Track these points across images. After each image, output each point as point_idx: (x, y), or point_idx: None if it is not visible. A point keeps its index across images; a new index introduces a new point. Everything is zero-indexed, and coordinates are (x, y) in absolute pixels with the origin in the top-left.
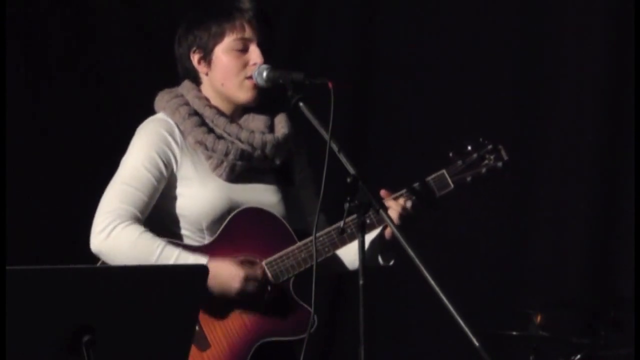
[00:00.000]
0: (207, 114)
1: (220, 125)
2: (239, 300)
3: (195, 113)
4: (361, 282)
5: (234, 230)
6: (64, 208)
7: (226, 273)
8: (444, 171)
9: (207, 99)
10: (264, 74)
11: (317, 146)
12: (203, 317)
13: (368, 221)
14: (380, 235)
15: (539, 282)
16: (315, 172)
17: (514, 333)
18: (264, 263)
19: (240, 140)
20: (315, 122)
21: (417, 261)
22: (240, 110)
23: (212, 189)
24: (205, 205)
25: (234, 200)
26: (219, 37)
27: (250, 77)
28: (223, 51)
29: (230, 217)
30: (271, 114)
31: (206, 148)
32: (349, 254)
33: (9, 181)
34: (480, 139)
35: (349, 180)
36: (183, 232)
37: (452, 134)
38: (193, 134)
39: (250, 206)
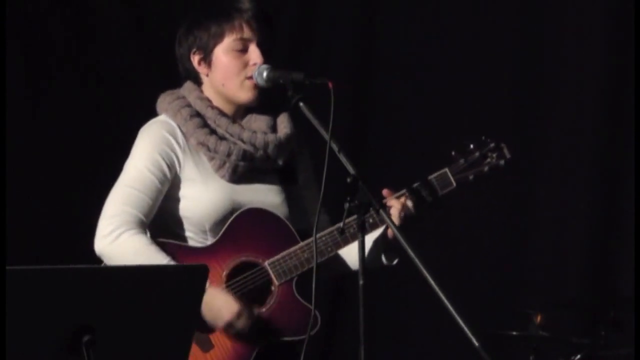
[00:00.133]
0: (209, 115)
1: (223, 126)
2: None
3: (197, 114)
4: (361, 282)
5: (237, 231)
6: (64, 208)
7: (220, 302)
8: (446, 170)
9: (209, 100)
10: (264, 74)
11: (317, 146)
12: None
13: (371, 220)
14: (383, 235)
15: (539, 282)
16: (315, 172)
17: (514, 333)
18: (267, 263)
19: (242, 140)
20: (315, 122)
21: (417, 261)
22: (242, 111)
23: (215, 190)
24: (208, 206)
25: (237, 201)
26: (219, 37)
27: (250, 77)
28: (223, 51)
29: (232, 217)
30: (273, 114)
31: (208, 149)
32: (352, 254)
33: (9, 181)
34: (483, 137)
35: (349, 180)
36: (187, 233)
37: (452, 133)
38: (195, 136)
39: (252, 207)
